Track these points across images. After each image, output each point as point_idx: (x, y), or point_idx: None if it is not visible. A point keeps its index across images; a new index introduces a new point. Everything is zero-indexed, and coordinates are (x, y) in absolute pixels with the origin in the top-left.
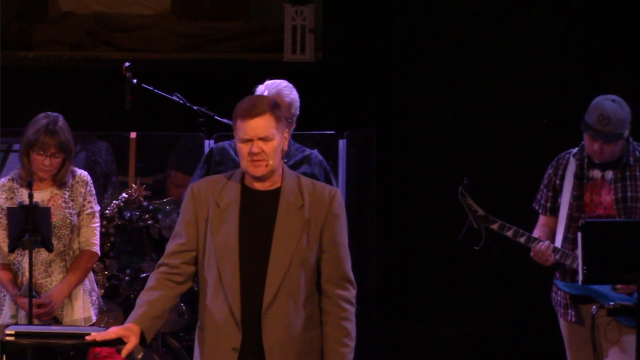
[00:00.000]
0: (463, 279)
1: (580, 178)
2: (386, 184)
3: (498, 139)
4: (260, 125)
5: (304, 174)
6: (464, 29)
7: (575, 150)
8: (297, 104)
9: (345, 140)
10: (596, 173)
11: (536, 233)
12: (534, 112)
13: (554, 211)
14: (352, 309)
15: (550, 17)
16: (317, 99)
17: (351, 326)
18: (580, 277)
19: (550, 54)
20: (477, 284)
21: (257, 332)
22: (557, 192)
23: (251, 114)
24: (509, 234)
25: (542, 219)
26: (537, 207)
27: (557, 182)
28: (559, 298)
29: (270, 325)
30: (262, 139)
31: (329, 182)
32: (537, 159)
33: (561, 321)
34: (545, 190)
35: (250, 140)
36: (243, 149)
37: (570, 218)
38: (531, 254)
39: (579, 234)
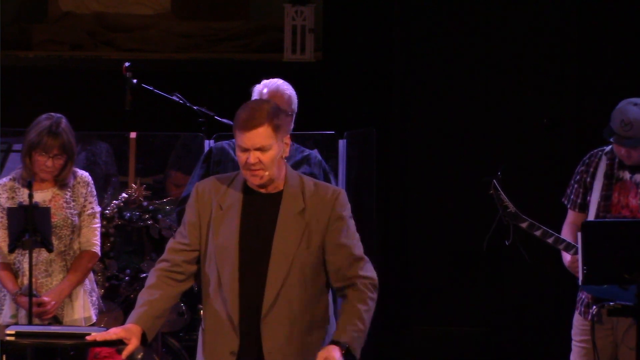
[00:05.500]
0: (463, 279)
1: (609, 178)
2: (386, 184)
3: (498, 138)
4: (258, 136)
5: (303, 174)
6: (463, 29)
7: (607, 148)
8: (296, 100)
9: (345, 140)
10: (626, 174)
11: (565, 230)
12: (533, 111)
13: (583, 207)
14: (366, 308)
15: (549, 15)
16: (317, 99)
17: (366, 315)
18: (580, 277)
19: (549, 53)
20: (477, 284)
21: (256, 336)
22: (587, 189)
23: (248, 125)
24: (538, 233)
25: (570, 215)
26: (566, 202)
27: (588, 179)
28: (583, 296)
29: (269, 329)
30: (259, 149)
31: (327, 182)
32: (537, 159)
33: (580, 319)
34: (576, 186)
35: (247, 150)
36: (241, 157)
37: (597, 218)
38: (568, 262)
39: (579, 234)
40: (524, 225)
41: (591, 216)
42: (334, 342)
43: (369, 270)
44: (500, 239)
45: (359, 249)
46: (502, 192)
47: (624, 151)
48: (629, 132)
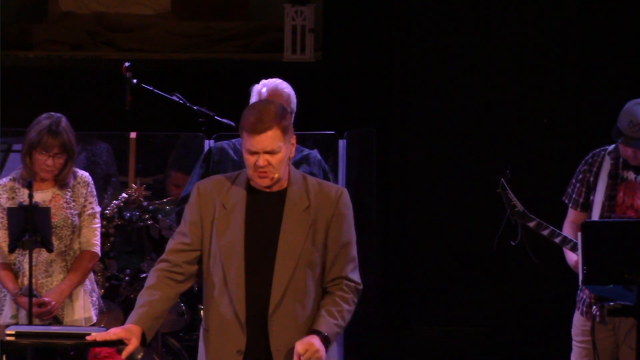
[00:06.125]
0: (463, 279)
1: (614, 178)
2: (386, 184)
3: (498, 138)
4: (267, 140)
5: None
6: (463, 29)
7: (610, 147)
8: (295, 99)
9: (345, 140)
10: (630, 174)
11: (566, 229)
12: (533, 111)
13: (585, 207)
14: (348, 308)
15: (549, 15)
16: (317, 99)
17: (347, 315)
18: (580, 277)
19: (549, 53)
20: (477, 284)
21: (263, 334)
22: (590, 188)
23: (257, 129)
24: (545, 233)
25: (572, 214)
26: (567, 201)
27: (591, 179)
28: (584, 296)
29: (277, 327)
30: (268, 152)
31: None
32: (537, 158)
33: (581, 320)
34: (578, 185)
35: (256, 153)
36: (249, 159)
37: (602, 218)
38: (574, 262)
39: (579, 234)
40: (531, 224)
41: (595, 216)
42: (314, 332)
43: (356, 275)
44: (501, 239)
45: (354, 250)
46: (510, 190)
47: (630, 152)
48: (637, 133)
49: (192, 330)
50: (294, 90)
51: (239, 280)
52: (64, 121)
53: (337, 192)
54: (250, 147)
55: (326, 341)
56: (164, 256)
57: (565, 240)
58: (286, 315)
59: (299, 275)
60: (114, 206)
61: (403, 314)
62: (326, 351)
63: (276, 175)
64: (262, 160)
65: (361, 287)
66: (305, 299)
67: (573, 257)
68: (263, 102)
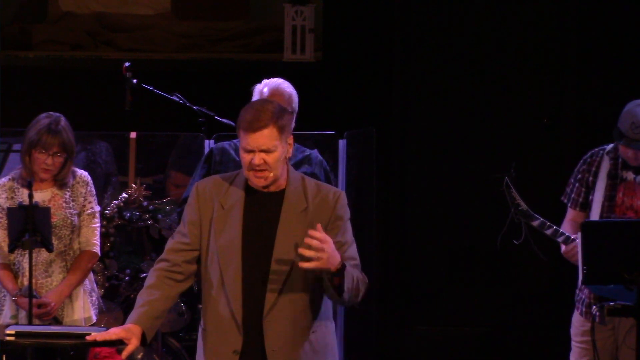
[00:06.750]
0: (463, 279)
1: (613, 178)
2: (386, 184)
3: (498, 138)
4: (263, 138)
5: (305, 173)
6: (463, 29)
7: (609, 147)
8: (296, 99)
9: (345, 140)
10: (630, 175)
11: (565, 228)
12: (533, 111)
13: (584, 206)
14: (363, 279)
15: (549, 15)
16: (317, 99)
17: (361, 285)
18: (580, 277)
19: (549, 53)
20: (477, 283)
21: (259, 335)
22: (589, 188)
23: (253, 127)
24: (549, 232)
25: (571, 213)
26: (566, 201)
27: (590, 179)
28: (583, 296)
29: (271, 328)
30: (264, 150)
31: (328, 181)
32: (537, 158)
33: (580, 320)
34: (577, 185)
35: (252, 151)
36: (245, 158)
37: (601, 218)
38: (565, 250)
39: (579, 234)
40: (535, 223)
41: (595, 216)
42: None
43: (360, 272)
44: (502, 238)
45: (353, 251)
46: (514, 189)
47: (631, 153)
48: (639, 135)
49: (192, 330)
50: (295, 90)
51: (236, 281)
52: (63, 120)
53: (335, 195)
54: (246, 145)
55: (337, 272)
56: (163, 256)
57: (568, 240)
58: (281, 316)
59: (295, 277)
60: (114, 206)
61: (403, 314)
62: (336, 280)
63: (272, 175)
64: (257, 158)
65: (367, 281)
66: (300, 300)
67: (564, 246)
68: (261, 101)
